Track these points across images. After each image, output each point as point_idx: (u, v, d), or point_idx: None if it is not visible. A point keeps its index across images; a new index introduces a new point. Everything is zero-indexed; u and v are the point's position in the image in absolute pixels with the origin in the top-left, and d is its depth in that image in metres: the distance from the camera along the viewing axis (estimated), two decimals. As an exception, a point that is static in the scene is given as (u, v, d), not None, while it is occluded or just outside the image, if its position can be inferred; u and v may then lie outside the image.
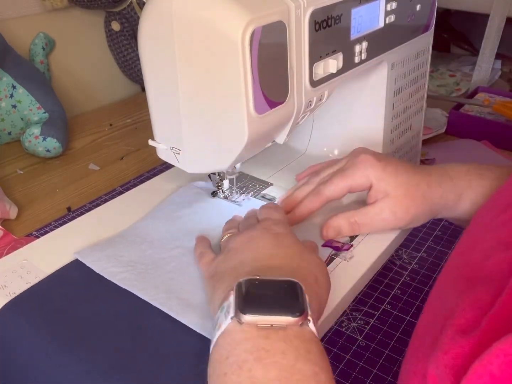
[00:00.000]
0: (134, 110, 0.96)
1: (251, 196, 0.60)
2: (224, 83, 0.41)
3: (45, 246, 0.53)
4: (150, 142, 0.50)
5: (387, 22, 0.54)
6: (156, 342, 0.41)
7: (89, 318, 0.43)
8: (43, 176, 0.75)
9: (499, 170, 0.51)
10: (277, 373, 0.30)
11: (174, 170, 0.66)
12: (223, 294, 0.37)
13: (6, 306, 0.44)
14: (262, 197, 0.61)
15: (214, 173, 0.56)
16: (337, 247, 0.52)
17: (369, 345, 0.48)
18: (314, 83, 0.47)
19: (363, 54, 0.52)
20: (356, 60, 0.51)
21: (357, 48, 0.51)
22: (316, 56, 0.46)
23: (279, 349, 0.31)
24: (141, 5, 0.95)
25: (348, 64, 0.50)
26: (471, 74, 1.09)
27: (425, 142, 0.81)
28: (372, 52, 0.54)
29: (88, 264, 0.48)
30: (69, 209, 0.66)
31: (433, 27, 0.65)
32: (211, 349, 0.34)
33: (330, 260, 0.50)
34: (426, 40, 0.65)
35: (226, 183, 0.57)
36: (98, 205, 0.62)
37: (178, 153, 0.48)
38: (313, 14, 0.43)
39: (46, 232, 0.58)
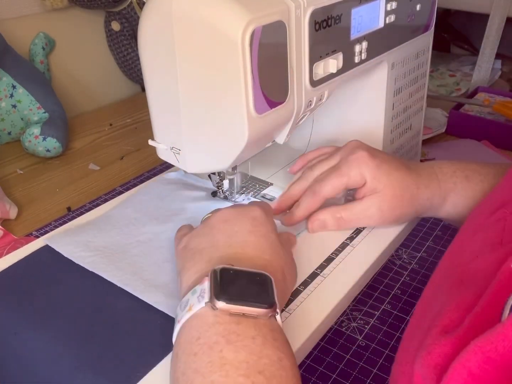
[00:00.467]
0: (134, 110, 0.96)
1: (251, 196, 0.60)
2: (224, 83, 0.41)
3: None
4: (150, 142, 0.50)
5: (387, 22, 0.54)
6: (121, 319, 0.42)
7: (58, 300, 0.45)
8: (43, 176, 0.75)
9: (485, 170, 0.51)
10: (246, 356, 0.32)
11: (174, 170, 0.66)
12: (194, 276, 0.39)
13: None
14: (262, 197, 0.61)
15: (214, 173, 0.56)
16: None
17: (369, 345, 0.48)
18: (314, 83, 0.47)
19: (363, 54, 0.52)
20: (356, 60, 0.51)
21: (357, 48, 0.51)
22: (316, 56, 0.46)
23: (249, 334, 0.33)
24: (141, 5, 0.95)
25: (348, 64, 0.50)
26: (471, 74, 1.09)
27: (425, 142, 0.81)
28: (372, 52, 0.54)
29: (57, 249, 0.49)
30: (69, 209, 0.66)
31: (433, 27, 0.65)
32: (178, 328, 0.35)
33: (329, 260, 0.49)
34: (426, 40, 0.65)
35: (226, 183, 0.57)
36: (98, 205, 0.62)
37: (178, 153, 0.48)
38: (313, 14, 0.43)
39: (46, 232, 0.58)
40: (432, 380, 0.26)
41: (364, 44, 0.52)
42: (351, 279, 0.47)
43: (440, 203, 0.51)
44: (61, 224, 0.59)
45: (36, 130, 0.76)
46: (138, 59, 0.49)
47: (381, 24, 0.54)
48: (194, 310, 0.35)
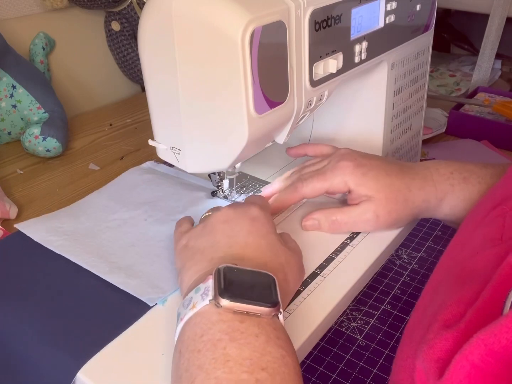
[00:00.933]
0: (134, 110, 0.96)
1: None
2: (224, 83, 0.41)
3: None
4: (150, 142, 0.50)
5: (387, 22, 0.54)
6: (85, 298, 0.45)
7: (26, 280, 0.48)
8: (43, 176, 0.75)
9: (483, 172, 0.51)
10: (250, 353, 0.32)
11: (174, 170, 0.66)
12: (196, 275, 0.40)
13: None
14: (262, 197, 0.61)
15: (214, 173, 0.56)
16: None
17: (369, 345, 0.48)
18: (314, 83, 0.47)
19: (363, 54, 0.52)
20: (356, 60, 0.51)
21: (357, 48, 0.51)
22: (316, 56, 0.46)
23: (252, 332, 0.33)
24: (141, 5, 0.95)
25: (348, 64, 0.50)
26: (471, 74, 1.09)
27: (425, 142, 0.81)
28: (372, 52, 0.54)
29: (28, 234, 0.52)
30: (69, 209, 0.66)
31: (433, 27, 0.65)
32: (180, 326, 0.36)
33: (329, 260, 0.50)
34: (426, 40, 0.65)
35: (226, 183, 0.57)
36: (98, 205, 0.62)
37: (178, 153, 0.48)
38: (313, 14, 0.43)
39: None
40: (434, 374, 0.27)
41: (364, 44, 0.52)
42: (351, 279, 0.47)
43: (437, 205, 0.51)
44: (61, 224, 0.59)
45: (36, 130, 0.76)
46: (138, 59, 0.49)
47: (381, 24, 0.54)
48: (198, 308, 0.35)
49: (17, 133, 0.83)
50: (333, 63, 0.47)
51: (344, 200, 0.55)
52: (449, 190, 0.51)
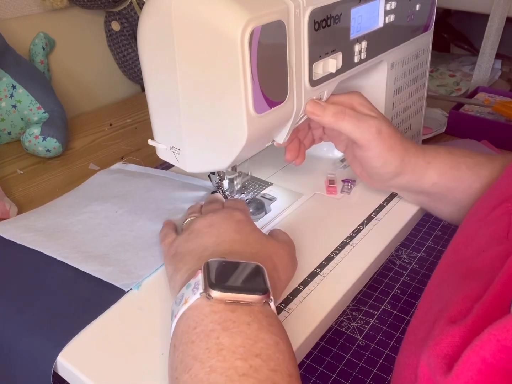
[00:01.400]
0: (134, 110, 0.96)
1: (251, 196, 0.60)
2: (224, 83, 0.41)
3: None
4: (150, 142, 0.50)
5: (386, 21, 0.54)
6: (63, 288, 0.47)
7: (3, 276, 0.49)
8: (43, 176, 0.75)
9: (473, 160, 0.52)
10: (243, 341, 0.33)
11: (174, 170, 0.66)
12: (186, 273, 0.41)
13: None
14: (262, 197, 0.61)
15: (214, 173, 0.56)
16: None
17: (369, 345, 0.48)
18: (313, 83, 0.47)
19: (362, 54, 0.52)
20: (356, 59, 0.51)
21: (357, 47, 0.51)
22: (315, 55, 0.46)
23: (244, 321, 0.34)
24: (141, 5, 0.94)
25: (348, 64, 0.50)
26: (471, 74, 1.09)
27: (425, 142, 0.81)
28: (372, 52, 0.54)
29: (0, 234, 0.53)
30: (69, 209, 0.66)
31: (433, 27, 0.65)
32: (174, 323, 0.36)
33: (329, 259, 0.49)
34: (425, 39, 0.65)
35: (226, 183, 0.57)
36: (98, 205, 0.62)
37: (178, 153, 0.48)
38: (312, 14, 0.43)
39: (46, 232, 0.58)
40: (441, 370, 0.26)
41: (364, 43, 0.52)
42: (350, 278, 0.47)
43: (424, 167, 0.52)
44: (61, 224, 0.59)
45: (36, 130, 0.76)
46: (138, 59, 0.49)
47: (380, 24, 0.54)
48: (190, 302, 0.36)
49: (17, 133, 0.83)
50: (332, 63, 0.47)
51: None
52: (435, 156, 0.52)
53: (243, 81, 0.40)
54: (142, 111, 0.95)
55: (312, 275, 0.47)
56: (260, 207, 0.59)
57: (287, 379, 0.32)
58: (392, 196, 0.59)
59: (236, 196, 0.59)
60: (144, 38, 0.44)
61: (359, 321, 0.50)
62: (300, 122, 0.50)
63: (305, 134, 0.55)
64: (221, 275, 0.36)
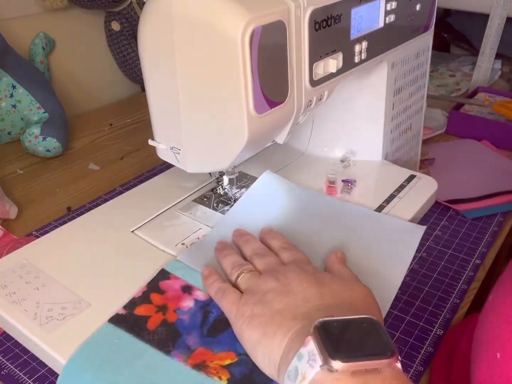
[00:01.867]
0: (134, 110, 0.96)
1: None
2: (224, 83, 0.41)
3: (45, 246, 0.53)
4: (150, 142, 0.50)
5: (387, 22, 0.54)
6: None
7: None
8: (43, 176, 0.75)
9: None
10: None
11: (174, 170, 0.66)
12: (285, 338, 0.35)
13: None
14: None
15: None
16: None
17: (369, 345, 0.48)
18: (314, 83, 0.47)
19: (363, 54, 0.52)
20: (356, 59, 0.51)
21: (357, 47, 0.51)
22: (316, 55, 0.46)
23: None
24: (141, 5, 0.94)
25: (348, 64, 0.50)
26: (471, 74, 1.09)
27: (425, 142, 0.81)
28: (372, 52, 0.54)
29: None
30: (69, 209, 0.66)
31: (433, 27, 0.65)
32: None
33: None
34: (426, 40, 0.65)
35: (225, 179, 0.57)
36: (98, 205, 0.62)
37: (178, 153, 0.48)
38: (313, 14, 0.43)
39: (46, 232, 0.58)
40: None
41: (364, 44, 0.52)
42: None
43: None
44: (61, 224, 0.59)
45: (36, 130, 0.76)
46: (138, 59, 0.49)
47: (381, 24, 0.54)
48: (309, 378, 0.30)
49: (17, 133, 0.83)
50: (333, 63, 0.47)
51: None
52: None
53: (244, 81, 0.40)
54: (142, 111, 0.95)
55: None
56: (260, 207, 0.58)
57: None
58: (392, 196, 0.59)
59: (236, 191, 0.59)
60: (145, 38, 0.44)
61: (359, 321, 0.50)
62: (301, 122, 0.50)
63: None
64: (337, 340, 0.31)
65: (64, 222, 0.59)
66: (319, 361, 0.30)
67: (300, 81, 0.45)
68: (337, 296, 0.38)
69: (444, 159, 0.76)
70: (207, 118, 0.44)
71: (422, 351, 0.45)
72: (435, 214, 0.64)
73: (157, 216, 0.57)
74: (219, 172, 0.56)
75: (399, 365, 0.31)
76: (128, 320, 0.43)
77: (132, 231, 0.54)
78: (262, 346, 0.36)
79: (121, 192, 0.66)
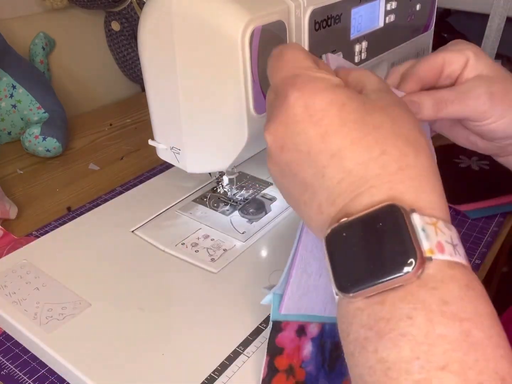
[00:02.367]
0: (134, 110, 0.96)
1: (250, 195, 0.60)
2: (224, 83, 0.41)
3: (45, 246, 0.53)
4: (150, 142, 0.50)
5: (387, 21, 0.54)
6: None
7: None
8: (43, 176, 0.75)
9: None
10: (412, 348, 0.22)
11: (174, 170, 0.66)
12: (319, 214, 0.28)
13: None
14: (262, 196, 0.61)
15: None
16: None
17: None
18: (314, 83, 0.47)
19: (363, 54, 0.52)
20: (356, 59, 0.51)
21: (357, 47, 0.51)
22: (316, 55, 0.46)
23: (402, 314, 0.23)
24: (141, 5, 0.94)
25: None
26: (471, 74, 1.09)
27: (425, 142, 0.81)
28: (372, 52, 0.54)
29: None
30: (69, 209, 0.66)
31: (433, 27, 0.65)
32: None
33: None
34: (426, 39, 0.65)
35: (226, 179, 0.57)
36: (98, 205, 0.62)
37: (178, 153, 0.48)
38: (313, 14, 0.43)
39: (46, 232, 0.58)
40: None
41: (364, 44, 0.52)
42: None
43: None
44: (61, 224, 0.59)
45: (36, 130, 0.76)
46: (138, 59, 0.49)
47: (381, 24, 0.54)
48: (334, 292, 0.27)
49: (17, 133, 0.83)
50: (333, 63, 0.47)
51: None
52: None
53: (244, 82, 0.40)
54: (142, 111, 0.95)
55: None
56: (260, 207, 0.59)
57: None
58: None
59: (235, 192, 0.59)
60: (145, 38, 0.44)
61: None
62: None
63: None
64: (346, 261, 0.25)
65: (64, 222, 0.59)
66: (334, 287, 0.26)
67: (300, 81, 0.45)
68: (356, 151, 0.27)
69: (444, 159, 0.76)
70: (207, 118, 0.44)
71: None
72: (435, 214, 0.64)
73: (157, 216, 0.57)
74: (219, 172, 0.56)
75: (437, 257, 0.24)
76: None
77: (132, 231, 0.55)
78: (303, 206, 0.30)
79: (121, 192, 0.66)
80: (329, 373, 0.40)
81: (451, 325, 0.23)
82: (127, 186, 0.70)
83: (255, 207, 0.59)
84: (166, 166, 0.68)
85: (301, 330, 0.39)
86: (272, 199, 0.60)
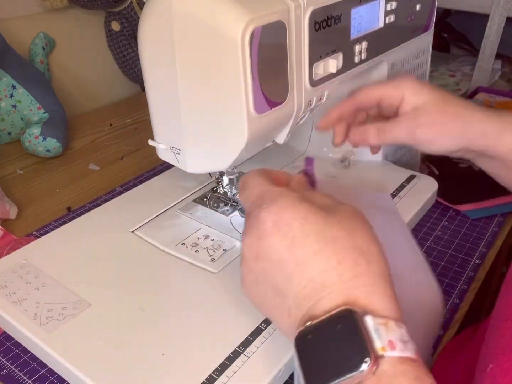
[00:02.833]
0: (134, 110, 0.96)
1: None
2: (224, 83, 0.41)
3: (45, 246, 0.53)
4: (150, 142, 0.50)
5: (387, 22, 0.54)
6: None
7: None
8: (43, 176, 0.75)
9: None
10: None
11: (174, 170, 0.66)
12: (287, 317, 0.32)
13: None
14: (262, 197, 0.60)
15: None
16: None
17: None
18: (314, 83, 0.47)
19: (363, 54, 0.52)
20: (356, 60, 0.51)
21: (357, 48, 0.51)
22: (316, 56, 0.46)
23: None
24: (141, 5, 0.94)
25: (348, 64, 0.50)
26: (471, 74, 1.09)
27: (425, 142, 0.81)
28: (372, 52, 0.54)
29: None
30: (69, 209, 0.66)
31: (433, 27, 0.65)
32: None
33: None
34: (426, 40, 0.65)
35: (226, 179, 0.57)
36: (98, 205, 0.62)
37: (178, 153, 0.48)
38: (313, 14, 0.43)
39: (46, 232, 0.58)
40: None
41: (364, 44, 0.52)
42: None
43: (498, 131, 0.46)
44: (61, 224, 0.59)
45: (36, 130, 0.76)
46: (138, 59, 0.49)
47: (381, 24, 0.54)
48: None
49: (17, 133, 0.83)
50: (333, 63, 0.47)
51: None
52: None
53: (244, 82, 0.40)
54: (142, 111, 0.95)
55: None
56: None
57: None
58: (392, 196, 0.59)
59: (235, 191, 0.59)
60: (145, 38, 0.44)
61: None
62: (301, 122, 0.50)
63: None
64: (312, 359, 0.28)
65: (64, 222, 0.59)
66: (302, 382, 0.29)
67: (300, 81, 0.45)
68: (318, 263, 0.31)
69: (444, 159, 0.76)
70: (207, 118, 0.44)
71: (422, 351, 0.45)
72: (435, 214, 0.64)
73: (157, 216, 0.57)
74: (219, 172, 0.56)
75: (389, 354, 0.26)
76: None
77: (132, 231, 0.55)
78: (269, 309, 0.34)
79: (121, 192, 0.66)
80: None
81: None
82: (127, 186, 0.70)
83: (255, 207, 0.58)
84: (166, 166, 0.68)
85: None
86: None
